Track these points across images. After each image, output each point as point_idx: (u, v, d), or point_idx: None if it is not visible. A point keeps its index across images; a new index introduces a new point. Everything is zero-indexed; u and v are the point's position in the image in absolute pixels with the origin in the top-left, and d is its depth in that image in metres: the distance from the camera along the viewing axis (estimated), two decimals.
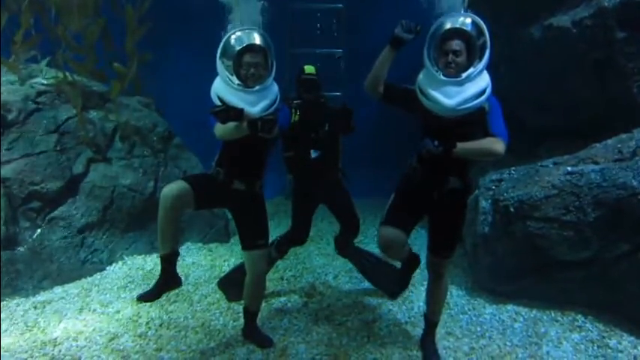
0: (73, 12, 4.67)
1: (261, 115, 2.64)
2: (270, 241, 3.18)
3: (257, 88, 2.73)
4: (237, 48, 2.73)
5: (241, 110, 2.56)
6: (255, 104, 2.70)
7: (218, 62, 2.75)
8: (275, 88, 2.85)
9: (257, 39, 2.76)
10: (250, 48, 2.74)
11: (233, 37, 2.76)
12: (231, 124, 2.58)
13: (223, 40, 2.75)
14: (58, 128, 4.29)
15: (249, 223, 2.98)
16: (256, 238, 2.97)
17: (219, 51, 2.75)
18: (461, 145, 2.51)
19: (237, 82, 2.73)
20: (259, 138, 2.62)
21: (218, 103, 2.71)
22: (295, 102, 3.47)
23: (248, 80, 2.74)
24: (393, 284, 3.17)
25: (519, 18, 4.23)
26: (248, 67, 2.73)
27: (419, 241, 5.22)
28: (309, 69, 3.49)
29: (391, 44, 2.58)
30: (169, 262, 2.83)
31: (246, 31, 2.78)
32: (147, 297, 2.84)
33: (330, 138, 3.51)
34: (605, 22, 3.69)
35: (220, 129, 2.65)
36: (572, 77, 3.95)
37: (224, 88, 2.74)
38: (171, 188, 2.68)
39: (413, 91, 2.67)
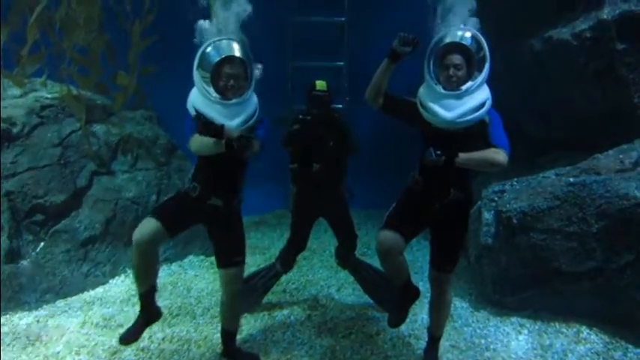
0: (79, 26, 4.73)
1: (239, 131, 2.54)
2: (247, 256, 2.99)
3: (235, 100, 2.61)
4: (216, 59, 2.60)
5: (222, 127, 2.44)
6: (232, 118, 2.59)
7: (195, 73, 2.62)
8: (254, 100, 2.74)
9: (237, 50, 2.63)
10: (230, 59, 2.61)
11: (211, 47, 2.61)
12: (208, 140, 2.46)
13: (200, 50, 2.61)
14: (61, 142, 4.31)
15: (225, 240, 2.85)
16: (233, 255, 2.84)
17: (195, 61, 2.61)
18: (463, 155, 2.52)
19: (214, 94, 2.60)
20: (237, 154, 2.51)
21: (194, 114, 2.61)
22: (304, 117, 3.48)
23: (227, 92, 2.62)
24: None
25: (520, 30, 4.27)
26: (227, 79, 2.61)
27: (422, 253, 5.22)
28: (320, 85, 3.44)
29: (389, 57, 2.58)
30: (149, 297, 2.79)
31: (225, 41, 2.64)
32: (129, 337, 2.77)
33: (335, 153, 3.51)
34: (605, 34, 3.72)
35: (196, 143, 2.54)
36: (572, 88, 3.97)
37: (201, 100, 2.62)
38: (142, 233, 2.58)
39: (413, 104, 2.69)
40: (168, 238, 2.70)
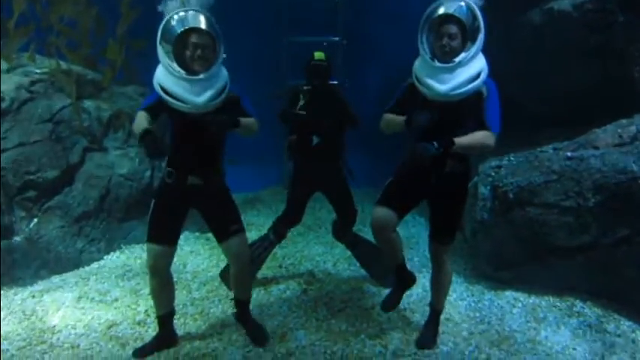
0: None
1: (209, 106, 2.49)
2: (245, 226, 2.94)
3: (202, 76, 2.47)
4: (180, 30, 2.44)
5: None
6: (200, 94, 2.46)
7: (158, 47, 2.46)
8: (223, 73, 2.59)
9: (202, 22, 2.47)
10: (195, 29, 2.46)
11: (175, 17, 2.45)
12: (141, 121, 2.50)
13: (163, 22, 2.46)
14: (52, 117, 4.22)
15: (216, 214, 2.81)
16: (228, 225, 2.78)
17: (159, 34, 2.46)
18: (458, 143, 2.50)
19: (178, 69, 2.45)
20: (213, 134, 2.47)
21: (160, 92, 2.50)
22: (304, 87, 3.47)
23: (194, 63, 2.47)
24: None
25: (519, 2, 4.19)
26: (194, 49, 2.45)
27: (417, 230, 5.23)
28: (318, 55, 3.45)
29: (405, 123, 2.61)
30: (167, 320, 2.89)
31: (190, 12, 2.49)
32: (143, 352, 2.86)
33: (335, 127, 3.49)
34: (606, 6, 3.65)
35: (137, 120, 2.57)
36: (572, 62, 3.92)
37: (166, 76, 2.48)
38: (154, 261, 2.69)
39: (410, 85, 2.70)
40: (174, 250, 2.78)
